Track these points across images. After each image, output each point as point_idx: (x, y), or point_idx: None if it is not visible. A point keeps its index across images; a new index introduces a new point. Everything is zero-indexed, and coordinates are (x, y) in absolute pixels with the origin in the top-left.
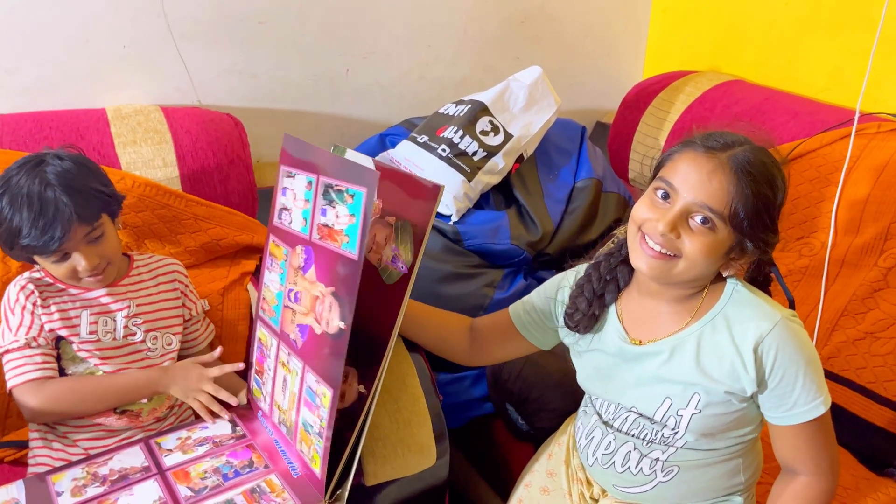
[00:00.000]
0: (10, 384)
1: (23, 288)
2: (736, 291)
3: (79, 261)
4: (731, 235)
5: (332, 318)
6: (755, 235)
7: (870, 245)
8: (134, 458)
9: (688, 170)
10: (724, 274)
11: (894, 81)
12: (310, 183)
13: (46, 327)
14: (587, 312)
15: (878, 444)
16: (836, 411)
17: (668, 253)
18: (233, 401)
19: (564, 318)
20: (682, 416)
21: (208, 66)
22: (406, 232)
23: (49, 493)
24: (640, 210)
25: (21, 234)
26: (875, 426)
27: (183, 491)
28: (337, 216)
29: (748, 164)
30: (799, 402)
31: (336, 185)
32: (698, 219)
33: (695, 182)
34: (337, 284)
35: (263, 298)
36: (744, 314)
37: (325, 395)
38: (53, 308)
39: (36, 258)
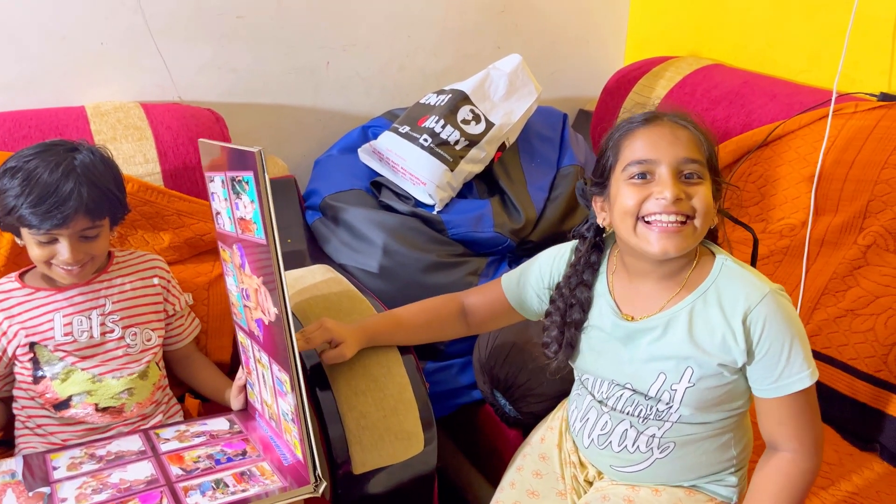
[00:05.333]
0: None
1: None
2: (725, 266)
3: (63, 250)
4: (710, 181)
5: (269, 307)
6: (720, 176)
7: (849, 224)
8: (132, 443)
9: (651, 141)
10: (712, 226)
11: (870, 61)
12: (223, 182)
13: (13, 344)
14: (561, 341)
15: (861, 420)
16: (820, 389)
17: (683, 220)
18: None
19: (544, 350)
20: (675, 390)
21: (188, 61)
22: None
23: (46, 466)
24: (628, 199)
25: (23, 205)
26: (858, 402)
27: (175, 470)
28: (245, 206)
29: (686, 116)
30: (785, 373)
31: (236, 177)
32: (686, 175)
33: (666, 145)
34: (263, 273)
35: (232, 304)
36: (734, 287)
37: (286, 381)
38: (25, 315)
39: (24, 231)
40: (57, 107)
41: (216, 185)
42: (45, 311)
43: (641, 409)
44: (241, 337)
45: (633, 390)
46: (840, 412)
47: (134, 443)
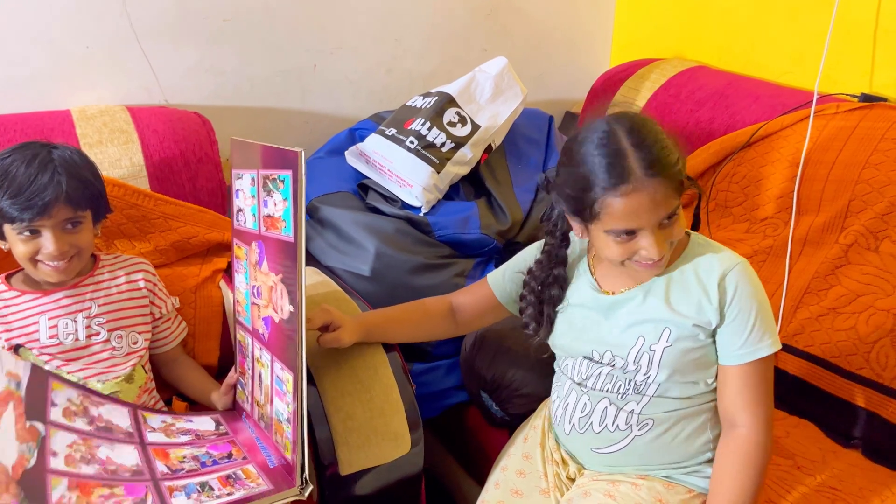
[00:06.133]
0: None
1: None
2: (698, 242)
3: (47, 242)
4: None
5: (284, 304)
6: (685, 182)
7: (830, 223)
8: (121, 418)
9: (630, 211)
10: None
11: (851, 63)
12: (252, 179)
13: None
14: (539, 320)
15: (843, 417)
16: (803, 386)
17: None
18: None
19: (524, 329)
20: (654, 350)
21: (174, 64)
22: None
23: (46, 396)
24: (614, 253)
25: (2, 198)
26: (840, 399)
27: (160, 467)
28: (275, 204)
29: (662, 155)
30: (750, 339)
31: (270, 175)
32: (667, 221)
33: (645, 213)
34: (283, 270)
35: (237, 301)
36: (708, 256)
37: (288, 381)
38: (10, 318)
39: (6, 228)
40: (42, 111)
41: (244, 182)
42: (30, 314)
43: (620, 385)
44: (240, 336)
45: (612, 365)
46: (822, 409)
47: (123, 419)
